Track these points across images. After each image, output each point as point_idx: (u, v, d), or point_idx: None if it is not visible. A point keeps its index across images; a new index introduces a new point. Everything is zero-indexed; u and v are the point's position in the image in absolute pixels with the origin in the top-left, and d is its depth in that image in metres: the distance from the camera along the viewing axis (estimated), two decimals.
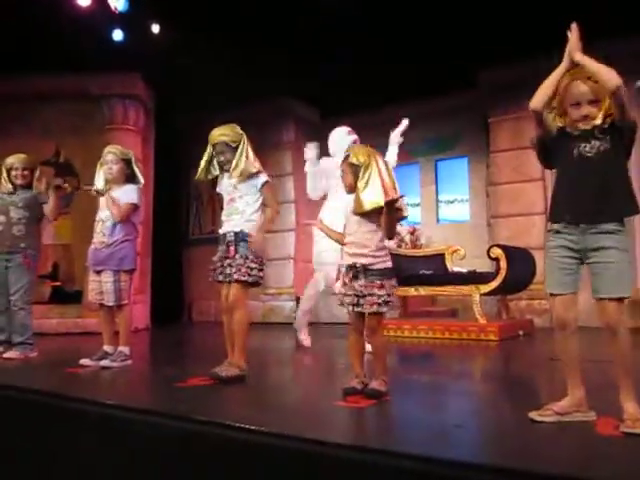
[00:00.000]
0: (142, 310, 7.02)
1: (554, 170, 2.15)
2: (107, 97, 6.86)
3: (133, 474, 2.17)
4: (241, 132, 3.10)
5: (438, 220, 7.94)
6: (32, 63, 6.06)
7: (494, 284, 5.17)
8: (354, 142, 4.34)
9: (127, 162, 3.74)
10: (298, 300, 5.66)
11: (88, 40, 5.57)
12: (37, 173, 4.29)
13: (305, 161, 4.62)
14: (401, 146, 4.67)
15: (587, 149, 1.99)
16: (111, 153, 3.69)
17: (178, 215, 8.98)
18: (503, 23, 5.24)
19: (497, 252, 5.26)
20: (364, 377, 2.53)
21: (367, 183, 2.47)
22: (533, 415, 1.98)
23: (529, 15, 5.05)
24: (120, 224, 3.61)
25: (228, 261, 2.98)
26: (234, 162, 3.03)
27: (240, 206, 3.04)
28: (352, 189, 2.54)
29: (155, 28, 5.99)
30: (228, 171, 3.08)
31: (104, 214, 3.65)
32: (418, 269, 5.63)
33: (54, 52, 5.77)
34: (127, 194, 3.65)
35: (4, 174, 4.21)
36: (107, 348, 3.63)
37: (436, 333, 5.19)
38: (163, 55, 5.88)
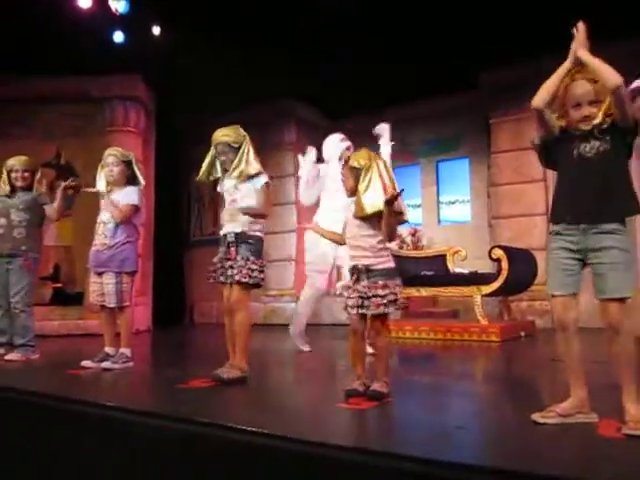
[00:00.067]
0: (143, 312, 7.02)
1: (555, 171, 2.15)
2: (108, 99, 6.87)
3: (134, 476, 2.17)
4: (244, 133, 3.11)
5: (439, 221, 7.93)
6: (33, 65, 6.07)
7: (495, 285, 5.17)
8: (347, 149, 4.33)
9: (128, 164, 3.74)
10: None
11: (89, 42, 5.58)
12: (38, 175, 4.30)
13: (299, 165, 4.58)
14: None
15: (587, 149, 1.99)
16: (112, 155, 3.70)
17: (179, 217, 8.98)
18: (504, 24, 5.23)
19: (498, 253, 5.26)
20: (366, 379, 2.53)
21: (368, 186, 2.48)
22: (535, 417, 1.98)
23: (530, 16, 5.04)
24: (121, 226, 3.62)
25: (229, 262, 2.97)
26: (235, 162, 3.04)
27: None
28: (353, 192, 2.56)
29: (156, 30, 5.99)
30: (229, 171, 3.08)
31: (105, 216, 3.65)
32: (419, 270, 5.63)
33: (55, 54, 5.78)
34: (128, 196, 3.65)
35: (4, 176, 4.21)
36: (108, 350, 3.63)
37: (437, 334, 5.19)
38: (164, 57, 5.88)
